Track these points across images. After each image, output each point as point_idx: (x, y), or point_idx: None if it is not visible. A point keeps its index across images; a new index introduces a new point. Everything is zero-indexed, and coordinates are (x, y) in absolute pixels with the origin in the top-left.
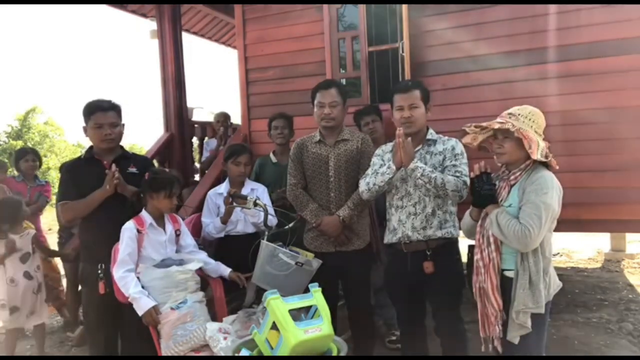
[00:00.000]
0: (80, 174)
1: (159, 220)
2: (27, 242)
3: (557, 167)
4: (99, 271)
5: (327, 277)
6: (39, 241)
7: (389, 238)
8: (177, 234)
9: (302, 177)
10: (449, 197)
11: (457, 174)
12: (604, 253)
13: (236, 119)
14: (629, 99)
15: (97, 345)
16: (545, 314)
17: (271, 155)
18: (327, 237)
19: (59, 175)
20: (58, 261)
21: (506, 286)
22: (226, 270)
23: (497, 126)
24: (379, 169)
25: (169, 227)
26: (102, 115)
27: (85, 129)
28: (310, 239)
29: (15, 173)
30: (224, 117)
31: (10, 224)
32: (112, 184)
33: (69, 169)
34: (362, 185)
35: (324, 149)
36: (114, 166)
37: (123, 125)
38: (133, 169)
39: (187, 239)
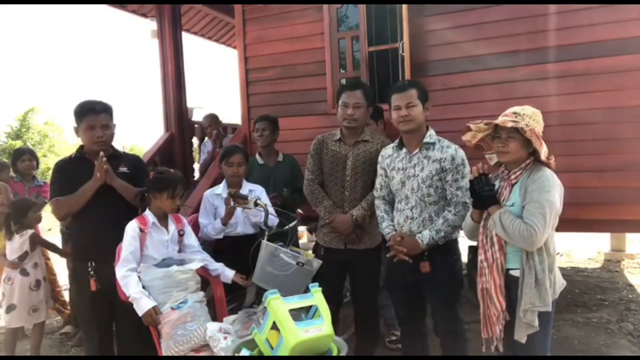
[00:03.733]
0: (71, 172)
1: (162, 220)
2: (25, 241)
3: (554, 168)
4: (89, 269)
5: (335, 273)
6: (38, 237)
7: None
8: (181, 234)
9: (320, 174)
10: None
11: (459, 192)
12: (604, 253)
13: (236, 119)
14: (629, 99)
15: (92, 342)
16: (551, 312)
17: (257, 156)
18: (338, 234)
19: None
20: (55, 262)
21: (511, 285)
22: (230, 274)
23: (510, 124)
24: (384, 218)
25: (172, 227)
26: (94, 117)
27: (76, 130)
28: (323, 234)
29: (14, 174)
30: (213, 120)
31: (19, 224)
32: (102, 172)
33: (60, 168)
34: (375, 205)
35: (343, 147)
36: (101, 153)
37: (115, 125)
38: (124, 169)
39: (191, 240)
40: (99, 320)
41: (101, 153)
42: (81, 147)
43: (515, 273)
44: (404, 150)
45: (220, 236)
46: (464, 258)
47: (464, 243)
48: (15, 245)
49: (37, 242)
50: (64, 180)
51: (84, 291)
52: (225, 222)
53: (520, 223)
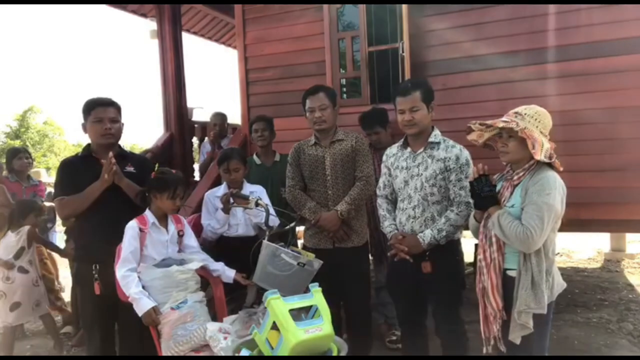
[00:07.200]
0: (77, 171)
1: (162, 220)
2: (22, 237)
3: (562, 169)
4: (94, 271)
5: (325, 274)
6: (36, 234)
7: None
8: (180, 235)
9: (300, 179)
10: None
11: (462, 192)
12: (604, 253)
13: (236, 119)
14: (629, 99)
15: (94, 345)
16: (547, 314)
17: (254, 157)
18: (325, 233)
19: None
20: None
21: (509, 285)
22: (231, 273)
23: (501, 125)
24: (387, 217)
25: (172, 227)
26: (102, 110)
27: (84, 127)
28: (309, 236)
29: (8, 174)
30: (221, 119)
31: (19, 226)
32: (110, 173)
33: (66, 166)
34: (378, 203)
35: (319, 150)
36: (110, 154)
37: (122, 124)
38: (130, 169)
39: (191, 240)
40: (101, 321)
41: (110, 154)
42: (88, 145)
43: (512, 273)
44: (409, 149)
45: (225, 228)
46: (469, 258)
47: (466, 243)
48: (11, 243)
49: (35, 239)
50: (69, 179)
51: (88, 293)
52: (226, 210)
53: (517, 225)
